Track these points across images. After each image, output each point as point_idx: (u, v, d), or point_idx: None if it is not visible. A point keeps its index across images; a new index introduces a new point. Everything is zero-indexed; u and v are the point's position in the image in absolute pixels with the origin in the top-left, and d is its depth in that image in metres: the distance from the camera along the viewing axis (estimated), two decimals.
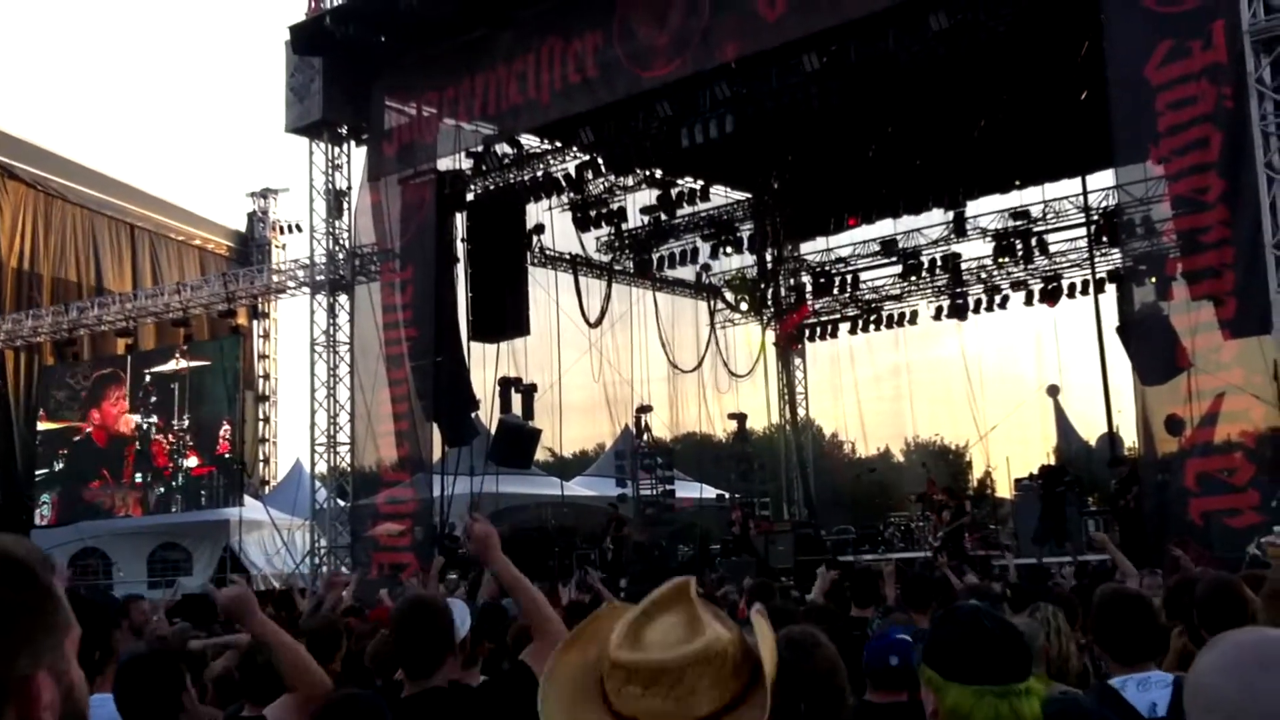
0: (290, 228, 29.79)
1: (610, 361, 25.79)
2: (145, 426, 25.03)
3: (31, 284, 28.05)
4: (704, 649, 1.61)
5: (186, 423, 24.64)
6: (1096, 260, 22.93)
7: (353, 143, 22.04)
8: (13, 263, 27.68)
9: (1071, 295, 23.69)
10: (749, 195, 25.72)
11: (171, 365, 24.90)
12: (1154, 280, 15.26)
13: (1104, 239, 22.42)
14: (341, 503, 21.81)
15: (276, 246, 32.42)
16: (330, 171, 21.88)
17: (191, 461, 24.59)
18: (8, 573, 1.28)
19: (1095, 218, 22.61)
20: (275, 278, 24.95)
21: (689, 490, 27.90)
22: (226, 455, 24.36)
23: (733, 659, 1.64)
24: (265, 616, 3.81)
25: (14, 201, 27.72)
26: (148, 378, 25.11)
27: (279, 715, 3.49)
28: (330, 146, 21.88)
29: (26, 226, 28.07)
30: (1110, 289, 22.55)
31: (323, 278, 22.00)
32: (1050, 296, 23.83)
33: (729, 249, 25.98)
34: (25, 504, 26.33)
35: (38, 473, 26.40)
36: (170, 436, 24.76)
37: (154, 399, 24.92)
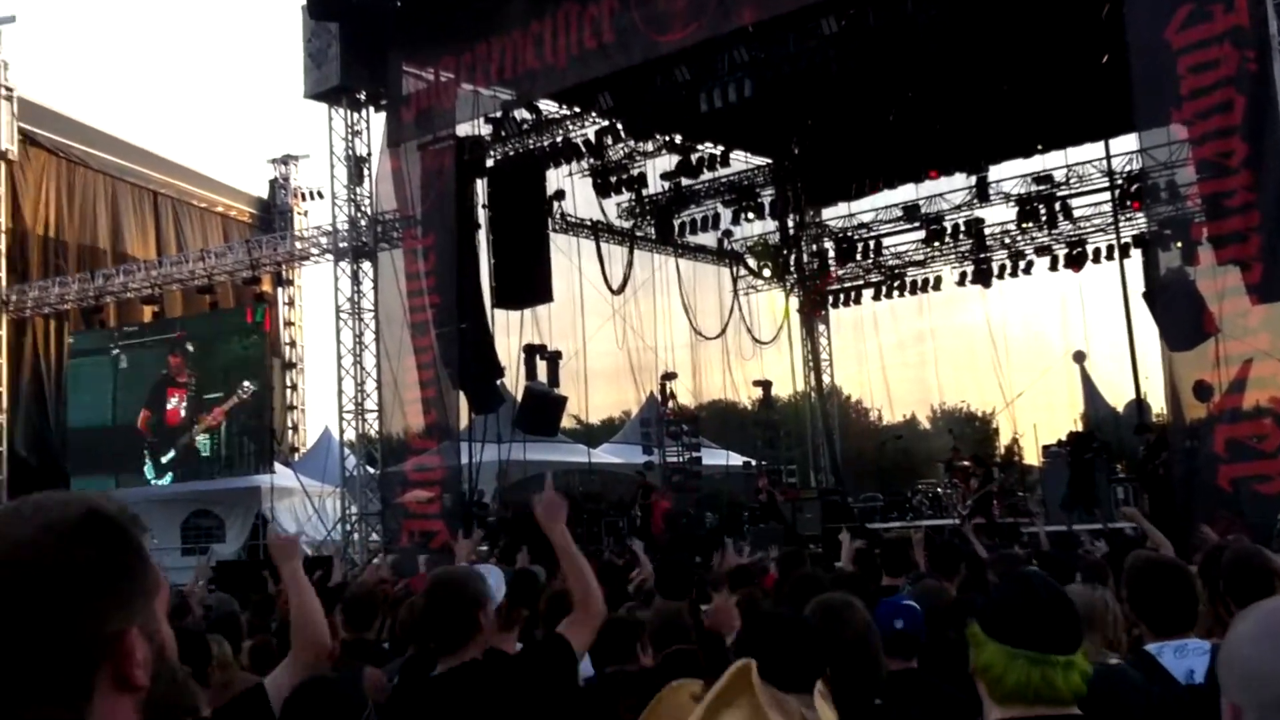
0: (312, 194, 29.83)
1: (634, 328, 25.80)
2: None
3: (57, 251, 28.22)
4: None
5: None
6: (1121, 225, 22.75)
7: (371, 108, 21.99)
8: (38, 230, 27.83)
9: (1096, 260, 23.53)
10: (769, 160, 25.57)
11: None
12: (1179, 245, 15.10)
13: (1128, 203, 22.22)
14: (371, 470, 21.94)
15: (299, 213, 32.50)
16: (350, 138, 21.86)
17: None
18: (99, 531, 1.29)
19: (1119, 182, 22.41)
20: (298, 244, 25.01)
21: (715, 457, 27.95)
22: (252, 423, 24.61)
23: None
24: (299, 568, 3.86)
25: (37, 168, 27.85)
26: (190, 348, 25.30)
27: (278, 680, 3.52)
28: (349, 112, 21.85)
29: (50, 194, 28.21)
30: (1135, 254, 22.37)
31: (345, 245, 22.03)
32: (1075, 262, 23.66)
33: (750, 215, 25.89)
34: (59, 469, 26.60)
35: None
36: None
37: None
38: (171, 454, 25.20)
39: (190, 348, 25.11)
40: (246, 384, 24.24)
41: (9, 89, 25.98)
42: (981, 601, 2.64)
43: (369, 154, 21.88)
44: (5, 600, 1.22)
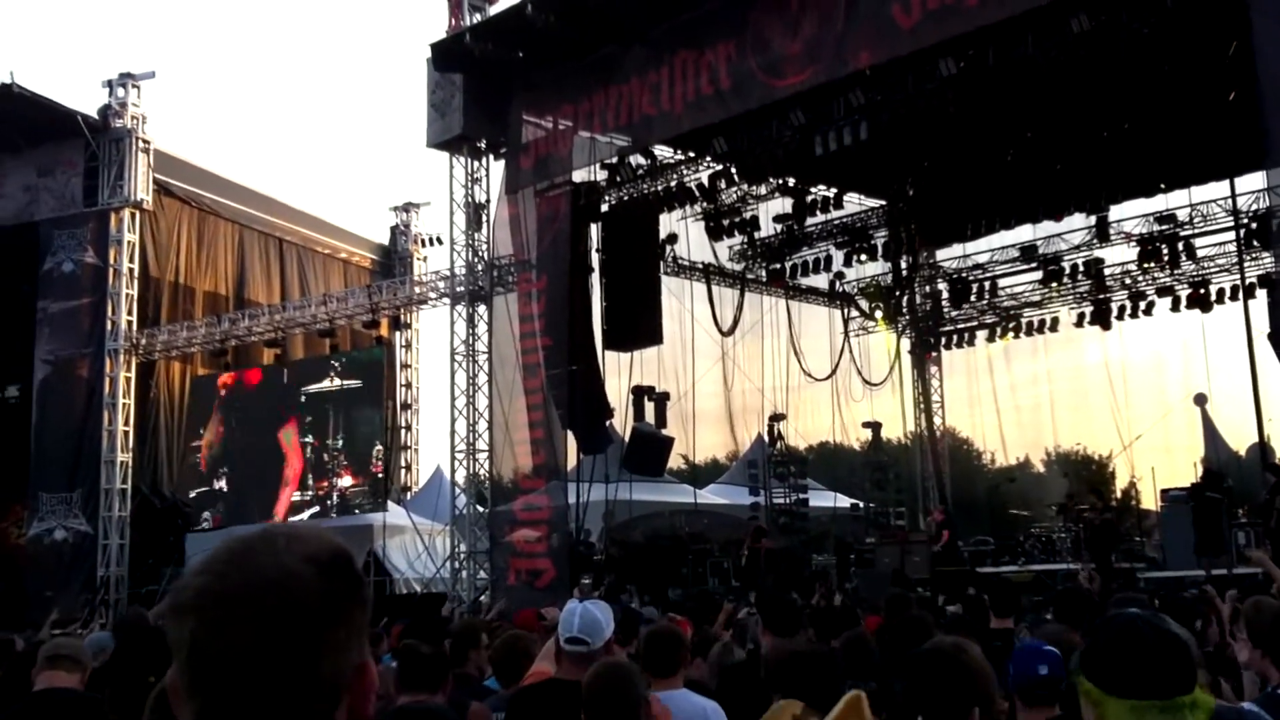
0: (431, 240, 30.43)
1: (742, 370, 25.81)
2: (306, 448, 25.87)
3: (185, 297, 29.21)
4: None
5: (341, 442, 25.45)
6: (1246, 265, 22.20)
7: (491, 156, 22.51)
8: (166, 276, 28.83)
9: (1220, 301, 23.01)
10: (883, 202, 25.46)
11: (325, 384, 25.65)
12: None
13: (1254, 243, 21.69)
14: (480, 509, 22.22)
15: (418, 259, 33.22)
16: (470, 185, 22.37)
17: (345, 480, 25.37)
18: (340, 568, 1.30)
19: (1245, 221, 21.89)
20: (417, 289, 25.58)
21: (822, 499, 27.74)
22: (379, 475, 25.18)
23: None
24: None
25: (170, 217, 28.91)
26: (303, 397, 25.87)
27: None
28: (470, 161, 22.37)
29: (181, 241, 29.24)
30: (1261, 294, 21.80)
31: (462, 289, 22.49)
32: (1198, 302, 23.14)
33: (863, 256, 25.77)
34: (181, 508, 27.45)
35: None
36: (326, 456, 25.55)
37: (309, 419, 25.69)
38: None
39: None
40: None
41: (146, 142, 27.04)
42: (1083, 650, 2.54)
43: (487, 200, 22.36)
44: (281, 627, 1.23)
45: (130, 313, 27.21)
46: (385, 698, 4.63)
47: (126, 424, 26.97)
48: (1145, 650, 2.35)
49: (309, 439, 25.52)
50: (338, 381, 25.47)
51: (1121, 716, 2.31)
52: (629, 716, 3.70)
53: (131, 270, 27.19)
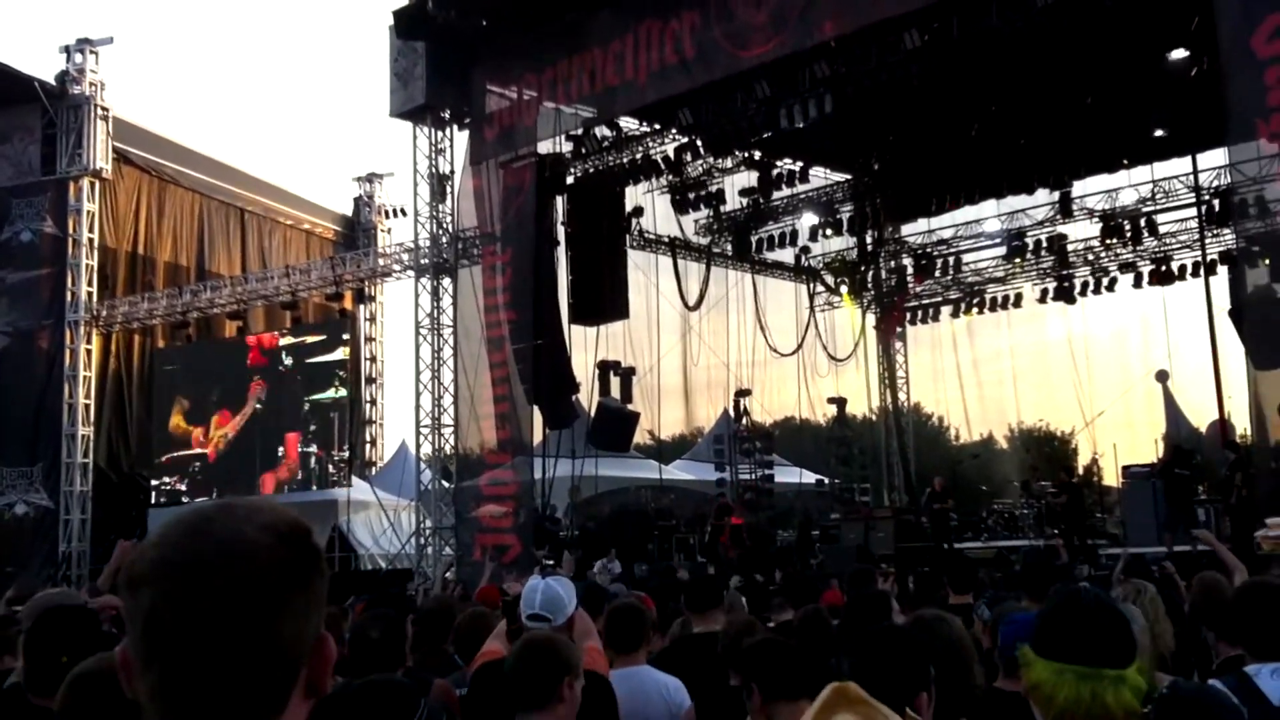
0: (395, 212, 30.26)
1: (708, 345, 25.80)
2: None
3: (145, 267, 28.88)
4: None
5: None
6: (1207, 241, 22.34)
7: (455, 127, 22.32)
8: (126, 247, 28.50)
9: (1181, 277, 23.17)
10: (849, 176, 25.47)
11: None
12: (1268, 262, 14.85)
13: (1215, 219, 21.83)
14: (446, 484, 22.16)
15: (382, 230, 33.00)
16: (434, 156, 22.19)
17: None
18: (298, 538, 1.28)
19: (1206, 197, 22.02)
20: (381, 261, 25.40)
21: (788, 475, 27.82)
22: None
23: None
24: None
25: (129, 187, 28.55)
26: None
27: None
28: (433, 131, 22.18)
29: (141, 211, 28.90)
30: (1222, 271, 21.96)
31: (427, 261, 22.33)
32: (1160, 278, 23.29)
33: (829, 231, 25.78)
34: (140, 482, 27.23)
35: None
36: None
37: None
38: None
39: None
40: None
41: (105, 109, 26.69)
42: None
43: (452, 172, 22.19)
44: (243, 597, 1.21)
45: (90, 284, 26.90)
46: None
47: (87, 397, 26.69)
48: (1078, 618, 2.37)
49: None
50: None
51: (1044, 677, 2.32)
52: (554, 682, 3.63)
53: (91, 240, 26.88)
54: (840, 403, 27.21)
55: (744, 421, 25.76)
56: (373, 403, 32.95)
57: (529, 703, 3.61)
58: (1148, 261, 23.72)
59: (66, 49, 26.59)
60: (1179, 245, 23.45)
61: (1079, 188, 23.47)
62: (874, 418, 29.45)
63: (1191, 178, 22.27)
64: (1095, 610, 2.40)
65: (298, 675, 1.25)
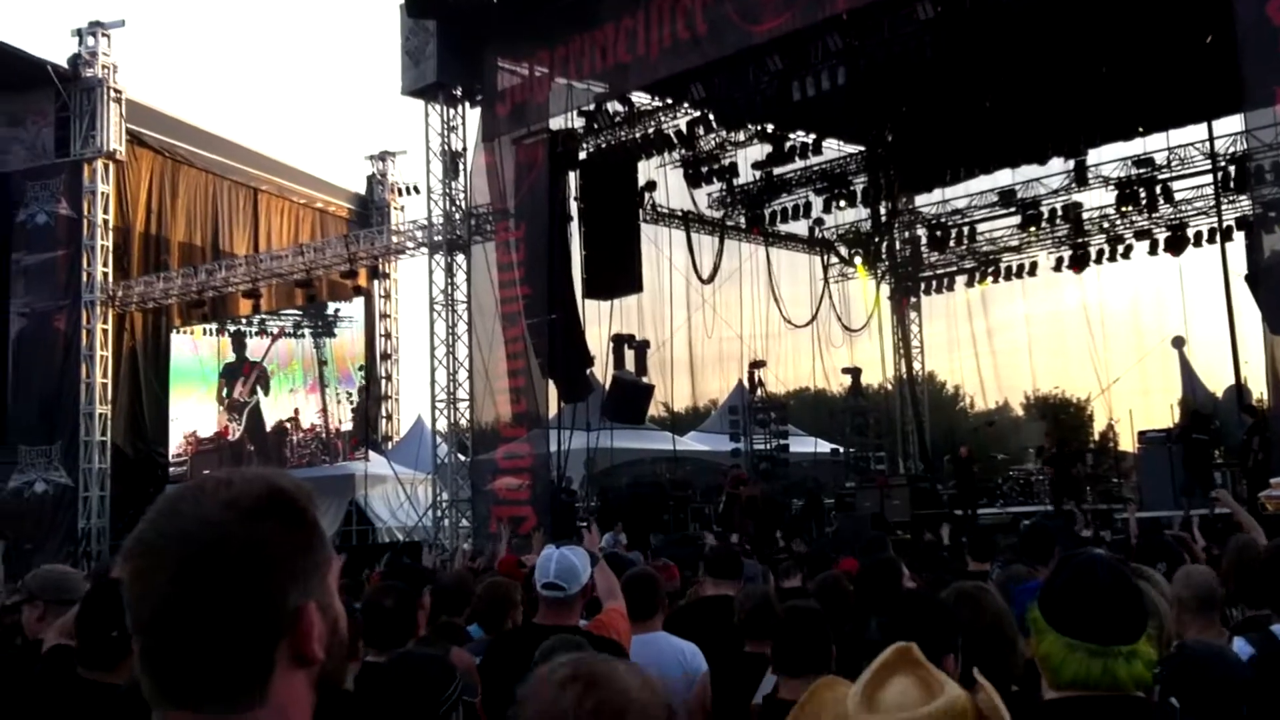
0: (408, 189, 30.34)
1: (722, 317, 25.81)
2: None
3: (159, 247, 29.01)
4: (948, 706, 1.58)
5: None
6: (1224, 208, 22.22)
7: (467, 104, 22.35)
8: (139, 227, 28.62)
9: (1197, 244, 23.06)
10: (862, 148, 25.34)
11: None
12: None
13: (1231, 186, 21.72)
14: (462, 458, 22.30)
15: (395, 208, 33.05)
16: (446, 133, 22.23)
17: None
18: (278, 507, 1.29)
19: (1223, 164, 21.89)
20: (394, 239, 25.51)
21: (803, 445, 27.87)
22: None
23: (974, 716, 1.61)
24: None
25: (142, 168, 28.65)
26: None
27: None
28: (446, 108, 22.21)
29: (155, 192, 29.01)
30: (1238, 237, 21.87)
31: (440, 238, 22.41)
32: (1175, 245, 23.19)
33: (842, 203, 25.69)
34: (156, 459, 27.46)
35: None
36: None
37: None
38: None
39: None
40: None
41: (118, 91, 26.74)
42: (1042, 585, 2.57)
43: (464, 149, 22.28)
44: (194, 575, 1.23)
45: (106, 265, 27.04)
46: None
47: (104, 376, 26.88)
48: (1094, 595, 2.38)
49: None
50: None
51: (1054, 650, 2.35)
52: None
53: (106, 222, 27.00)
54: (855, 373, 27.22)
55: (759, 392, 25.80)
56: (388, 378, 33.09)
57: None
58: (1163, 229, 23.61)
59: (79, 32, 26.64)
60: (1195, 212, 23.33)
61: (1094, 155, 23.36)
62: (889, 387, 29.46)
63: (1207, 144, 22.15)
64: (1109, 586, 2.40)
65: (274, 646, 1.26)
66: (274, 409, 26.55)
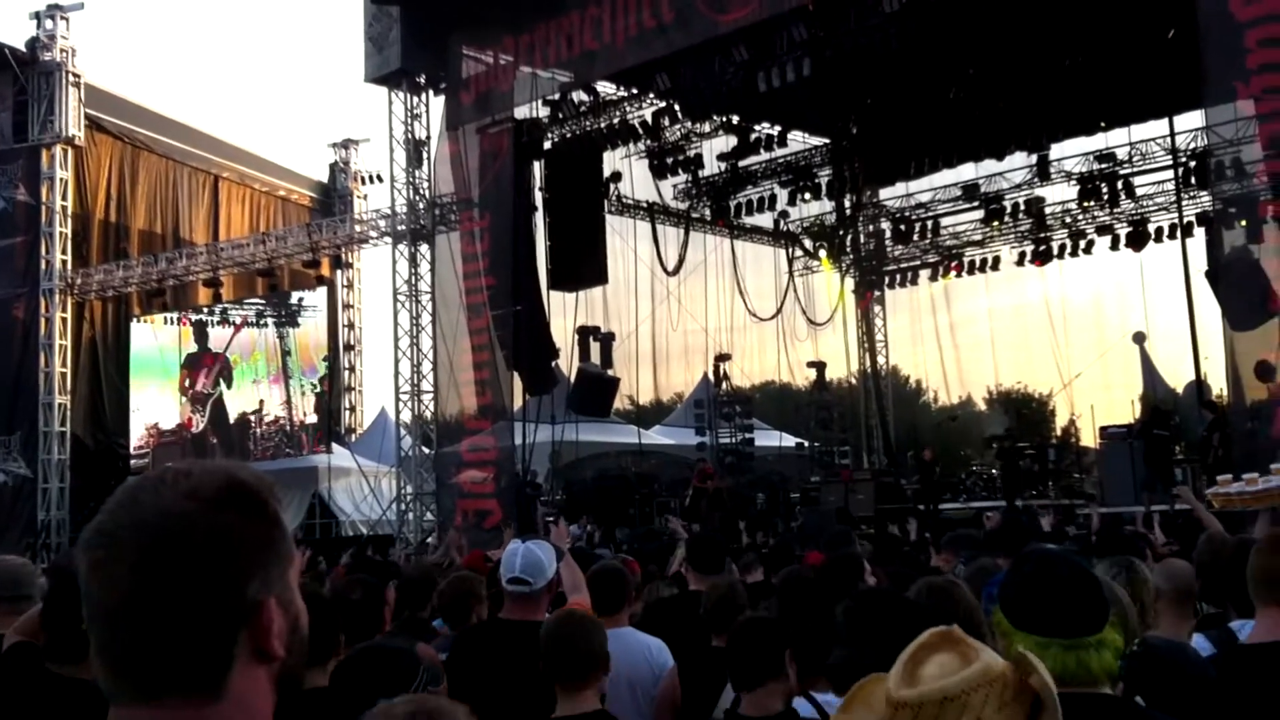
0: (371, 178, 30.13)
1: (688, 310, 25.82)
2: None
3: (119, 235, 28.69)
4: (983, 669, 1.60)
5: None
6: (1184, 203, 22.41)
7: (431, 92, 22.17)
8: (99, 214, 28.30)
9: (1158, 239, 23.24)
10: (827, 140, 25.41)
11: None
12: (1244, 223, 14.95)
13: (1192, 181, 21.91)
14: (426, 450, 22.17)
15: (358, 197, 32.80)
16: (409, 121, 22.04)
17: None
18: (238, 499, 1.28)
19: (1183, 159, 22.08)
20: (358, 228, 25.27)
21: (768, 439, 27.92)
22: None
23: (1013, 683, 1.61)
24: None
25: (101, 154, 28.31)
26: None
27: None
28: (409, 96, 22.03)
29: (114, 179, 28.68)
30: (1199, 233, 22.06)
31: (404, 227, 22.25)
32: (1136, 241, 23.38)
33: (807, 195, 25.77)
34: (117, 450, 27.16)
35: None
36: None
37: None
38: None
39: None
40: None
41: (76, 75, 26.39)
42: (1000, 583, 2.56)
43: (428, 137, 22.07)
44: (153, 564, 1.22)
45: (65, 252, 26.71)
46: None
47: (64, 366, 26.55)
48: (1054, 589, 2.38)
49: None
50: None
51: (1028, 649, 2.32)
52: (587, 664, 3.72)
53: (65, 208, 26.66)
54: (820, 367, 27.29)
55: (724, 386, 25.82)
56: (351, 369, 32.89)
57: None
58: (1125, 224, 23.80)
59: (37, 15, 26.25)
60: (1156, 207, 23.52)
61: (1056, 150, 23.52)
62: (853, 381, 29.54)
63: (1168, 140, 22.34)
64: (1070, 579, 2.41)
65: (233, 639, 1.25)
66: (237, 401, 26.28)
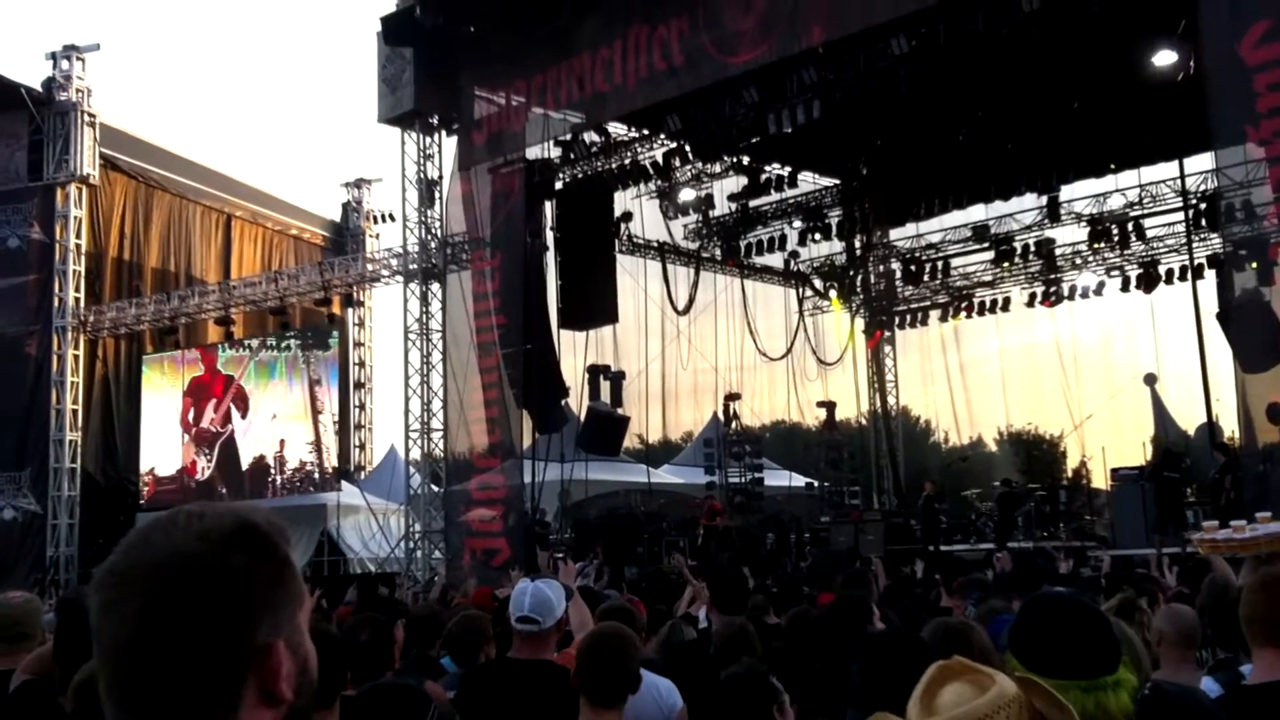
0: (384, 217, 30.31)
1: (698, 349, 25.82)
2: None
3: (132, 272, 28.86)
4: (999, 693, 1.63)
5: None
6: (1195, 245, 22.40)
7: (443, 132, 22.33)
8: (112, 252, 28.50)
9: (1169, 281, 23.21)
10: (837, 181, 25.50)
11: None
12: (1255, 265, 14.93)
13: (1203, 223, 21.90)
14: (435, 488, 22.14)
15: (370, 236, 32.99)
16: (422, 161, 22.19)
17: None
18: (248, 542, 1.28)
19: (1194, 201, 22.09)
20: (370, 266, 25.40)
21: (778, 478, 27.84)
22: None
23: (1028, 705, 1.66)
24: None
25: (115, 193, 28.53)
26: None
27: None
28: (422, 136, 22.19)
29: (128, 217, 28.88)
30: (1209, 274, 22.03)
31: (415, 266, 22.34)
32: (1147, 282, 23.36)
33: (817, 236, 25.82)
34: (128, 486, 27.19)
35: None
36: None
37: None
38: None
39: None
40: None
41: (91, 115, 26.64)
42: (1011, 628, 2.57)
43: (440, 177, 22.20)
44: (163, 605, 1.22)
45: (78, 290, 26.86)
46: None
47: (75, 403, 26.64)
48: (1068, 631, 2.39)
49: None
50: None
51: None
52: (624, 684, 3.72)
53: (78, 246, 26.84)
54: (830, 406, 27.24)
55: (733, 425, 25.78)
56: (362, 407, 32.92)
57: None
58: (1135, 265, 23.79)
59: (53, 55, 26.55)
60: (1166, 249, 23.51)
61: (1066, 192, 23.54)
62: (863, 421, 29.46)
63: (1178, 182, 22.36)
64: (1082, 621, 2.42)
65: (241, 681, 1.24)
66: (252, 440, 26.01)
